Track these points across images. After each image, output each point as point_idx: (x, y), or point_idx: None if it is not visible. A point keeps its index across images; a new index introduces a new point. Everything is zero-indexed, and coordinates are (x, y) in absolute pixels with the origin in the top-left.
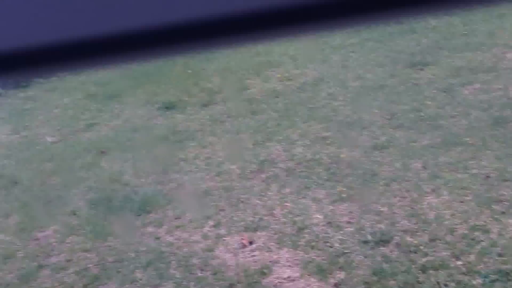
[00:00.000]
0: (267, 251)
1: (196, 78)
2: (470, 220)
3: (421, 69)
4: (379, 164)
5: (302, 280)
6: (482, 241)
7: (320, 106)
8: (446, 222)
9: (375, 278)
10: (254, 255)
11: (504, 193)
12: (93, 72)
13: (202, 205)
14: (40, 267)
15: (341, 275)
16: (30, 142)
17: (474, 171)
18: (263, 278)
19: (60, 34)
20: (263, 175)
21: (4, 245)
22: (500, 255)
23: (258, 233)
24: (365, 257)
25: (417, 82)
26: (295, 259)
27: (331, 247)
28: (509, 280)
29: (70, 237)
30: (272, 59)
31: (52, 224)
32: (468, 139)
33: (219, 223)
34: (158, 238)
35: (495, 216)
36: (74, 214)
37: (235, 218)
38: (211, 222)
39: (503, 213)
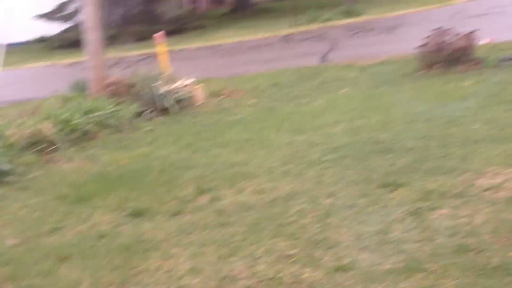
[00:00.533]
0: None
1: (170, 186)
2: None
3: (393, 190)
4: (340, 286)
5: None
6: None
7: (288, 222)
8: None
9: None
10: None
11: None
12: (68, 174)
13: None
14: None
15: None
16: None
17: None
18: None
19: None
20: None
21: None
22: None
23: None
24: None
25: (387, 204)
26: None
27: None
28: None
29: None
30: (248, 171)
31: None
32: (430, 265)
33: None
34: None
35: None
36: None
37: None
38: None
39: None
